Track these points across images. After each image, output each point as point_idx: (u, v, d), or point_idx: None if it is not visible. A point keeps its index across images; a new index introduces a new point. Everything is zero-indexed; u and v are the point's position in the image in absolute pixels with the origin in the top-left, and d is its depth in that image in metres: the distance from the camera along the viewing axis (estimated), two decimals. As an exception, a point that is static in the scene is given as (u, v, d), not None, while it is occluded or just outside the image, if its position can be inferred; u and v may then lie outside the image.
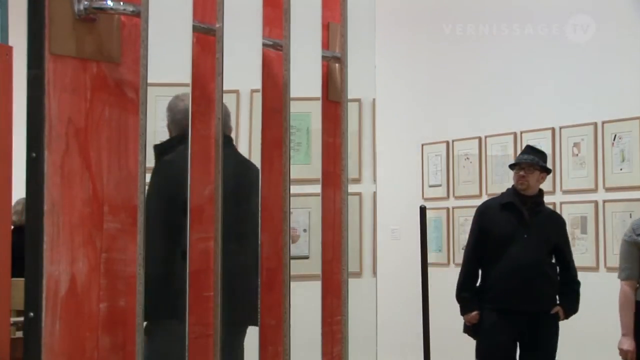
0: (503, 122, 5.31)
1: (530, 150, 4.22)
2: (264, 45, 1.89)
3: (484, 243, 4.15)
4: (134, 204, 1.64)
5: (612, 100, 4.76)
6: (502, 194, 4.26)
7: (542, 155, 4.20)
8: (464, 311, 4.17)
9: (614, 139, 4.76)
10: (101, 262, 1.63)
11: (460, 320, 4.18)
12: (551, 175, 4.97)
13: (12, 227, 2.41)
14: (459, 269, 4.30)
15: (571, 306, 4.10)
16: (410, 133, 5.92)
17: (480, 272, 4.21)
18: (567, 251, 4.18)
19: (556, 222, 4.25)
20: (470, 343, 4.15)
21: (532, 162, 4.10)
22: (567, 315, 4.08)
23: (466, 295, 4.16)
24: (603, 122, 4.80)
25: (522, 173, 4.09)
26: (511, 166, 4.21)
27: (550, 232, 4.14)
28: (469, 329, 4.19)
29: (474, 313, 4.10)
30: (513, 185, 4.17)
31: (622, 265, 3.87)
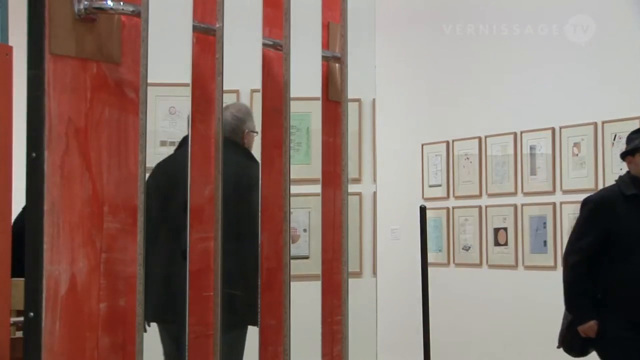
0: (503, 122, 5.30)
1: None
2: (264, 45, 1.89)
3: (604, 241, 3.46)
4: (134, 204, 1.64)
5: (612, 100, 4.75)
6: (617, 184, 3.61)
7: None
8: (580, 321, 3.47)
9: (614, 139, 4.75)
10: (101, 262, 1.63)
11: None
12: (551, 175, 4.98)
13: None
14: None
15: None
16: (410, 133, 5.91)
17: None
18: None
19: None
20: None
21: None
22: None
23: (584, 302, 3.47)
24: (603, 122, 4.79)
25: None
26: (626, 153, 3.58)
27: None
28: (572, 344, 3.55)
29: (592, 323, 3.42)
30: (628, 174, 3.55)
31: None
